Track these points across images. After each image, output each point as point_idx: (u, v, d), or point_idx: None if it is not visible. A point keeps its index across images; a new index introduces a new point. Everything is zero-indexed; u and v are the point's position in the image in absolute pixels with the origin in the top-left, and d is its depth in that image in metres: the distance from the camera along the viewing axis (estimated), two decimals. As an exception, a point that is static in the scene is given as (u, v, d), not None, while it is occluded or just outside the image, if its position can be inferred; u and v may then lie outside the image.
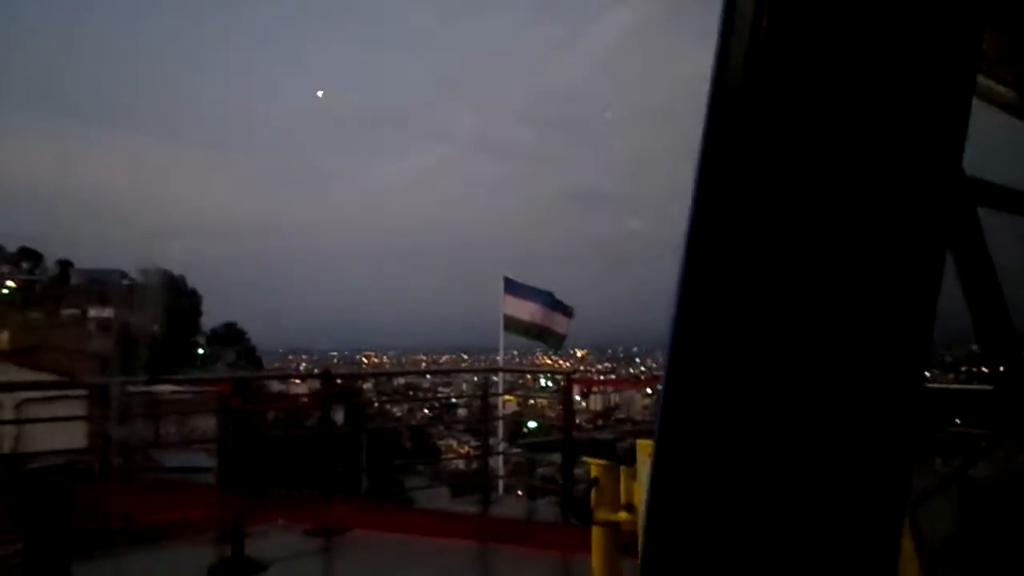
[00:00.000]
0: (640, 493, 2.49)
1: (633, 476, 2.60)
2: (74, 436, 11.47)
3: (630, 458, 2.62)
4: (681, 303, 0.62)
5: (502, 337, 13.46)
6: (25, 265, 49.91)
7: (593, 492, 2.79)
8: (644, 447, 2.53)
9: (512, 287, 13.34)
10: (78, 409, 11.90)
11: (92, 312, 33.66)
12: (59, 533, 3.10)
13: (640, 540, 0.64)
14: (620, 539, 2.76)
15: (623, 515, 2.69)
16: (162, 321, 40.73)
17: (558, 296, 13.47)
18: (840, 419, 0.57)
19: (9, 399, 11.93)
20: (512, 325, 13.21)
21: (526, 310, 13.18)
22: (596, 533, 2.81)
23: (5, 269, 45.81)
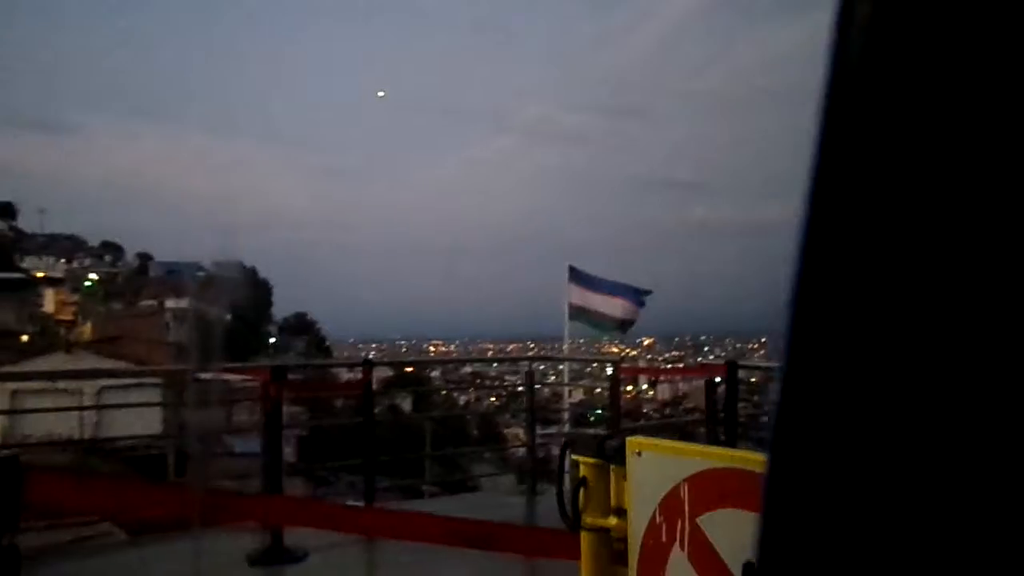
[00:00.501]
0: (630, 496, 2.31)
1: (624, 477, 2.38)
2: (150, 422, 11.81)
3: (620, 456, 2.40)
4: (798, 302, 0.59)
5: (566, 326, 13.43)
6: (107, 258, 51.88)
7: (581, 494, 2.56)
8: (633, 444, 2.33)
9: (576, 276, 13.29)
10: (153, 396, 12.23)
11: (168, 303, 34.69)
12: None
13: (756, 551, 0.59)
14: (611, 546, 2.53)
15: (613, 520, 2.47)
16: (234, 311, 41.79)
17: (630, 283, 13.42)
18: (977, 428, 0.51)
19: (89, 386, 12.34)
20: (577, 313, 13.19)
21: (591, 299, 13.14)
22: (585, 540, 2.58)
23: (88, 262, 47.67)
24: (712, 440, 6.88)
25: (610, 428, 6.21)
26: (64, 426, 12.72)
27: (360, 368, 7.13)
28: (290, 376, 7.04)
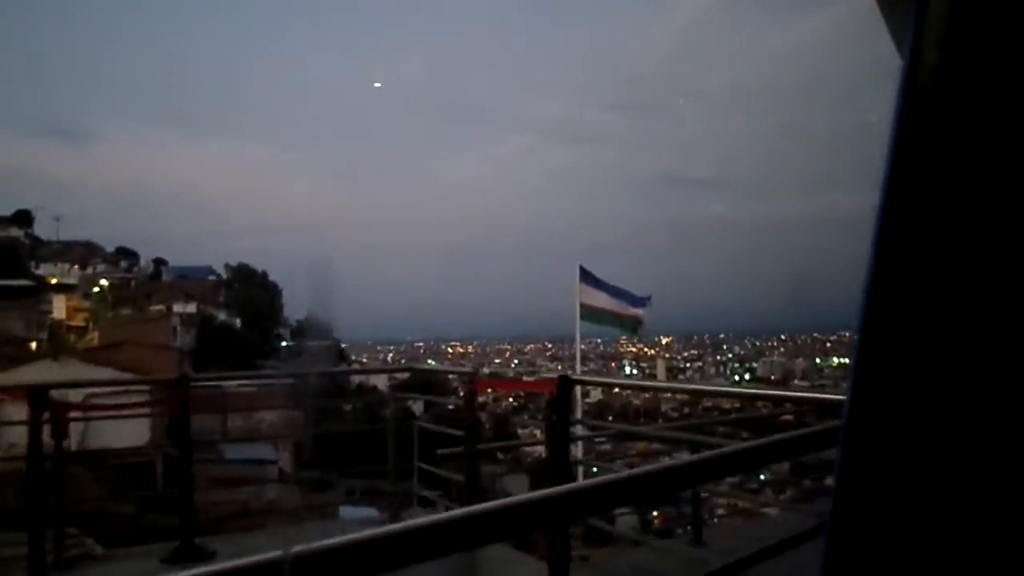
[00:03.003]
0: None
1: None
2: (138, 431, 11.58)
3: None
4: (871, 304, 0.62)
5: (578, 326, 13.45)
6: (123, 264, 52.12)
7: None
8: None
9: (587, 276, 13.28)
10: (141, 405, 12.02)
11: (176, 307, 34.70)
12: None
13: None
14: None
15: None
16: (243, 315, 41.98)
17: (633, 287, 13.69)
18: None
19: (75, 395, 12.04)
20: (589, 314, 13.18)
21: (602, 299, 13.15)
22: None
23: (102, 268, 47.82)
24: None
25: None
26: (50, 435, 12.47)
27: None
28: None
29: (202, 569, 1.22)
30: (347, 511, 11.93)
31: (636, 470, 2.29)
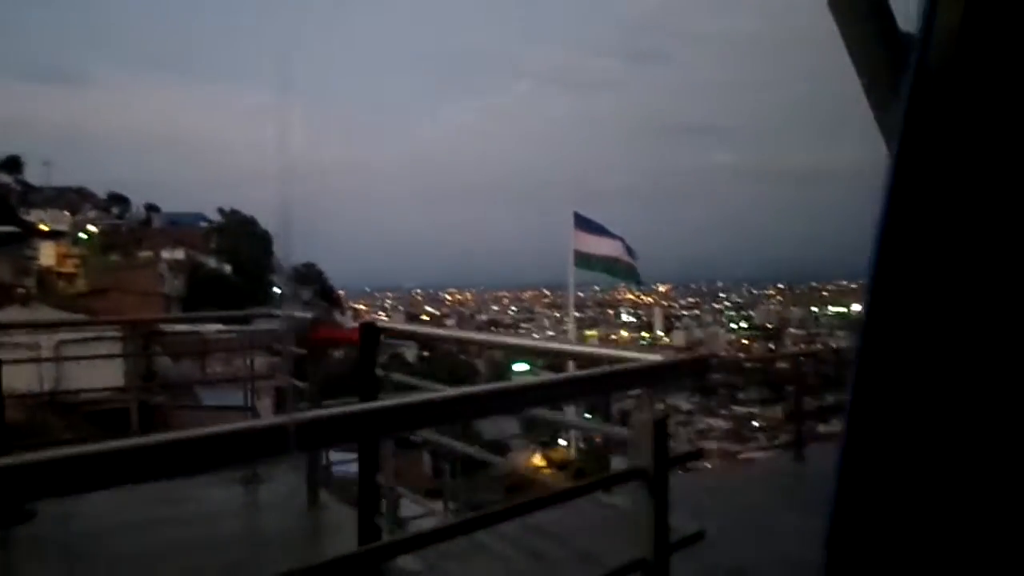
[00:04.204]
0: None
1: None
2: (111, 375, 11.31)
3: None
4: (874, 299, 0.63)
5: (571, 273, 13.24)
6: (115, 210, 51.56)
7: None
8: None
9: (581, 222, 12.96)
10: (113, 349, 11.77)
11: (164, 254, 34.25)
12: None
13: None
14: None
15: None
16: (234, 262, 41.58)
17: (632, 234, 13.49)
18: None
19: (47, 340, 11.74)
20: (584, 260, 12.91)
21: (598, 244, 12.91)
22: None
23: (93, 214, 47.27)
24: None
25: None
26: (21, 380, 12.25)
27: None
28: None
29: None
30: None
31: (433, 395, 2.32)
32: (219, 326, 17.77)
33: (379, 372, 3.69)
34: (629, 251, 13.41)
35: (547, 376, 2.49)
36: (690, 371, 2.65)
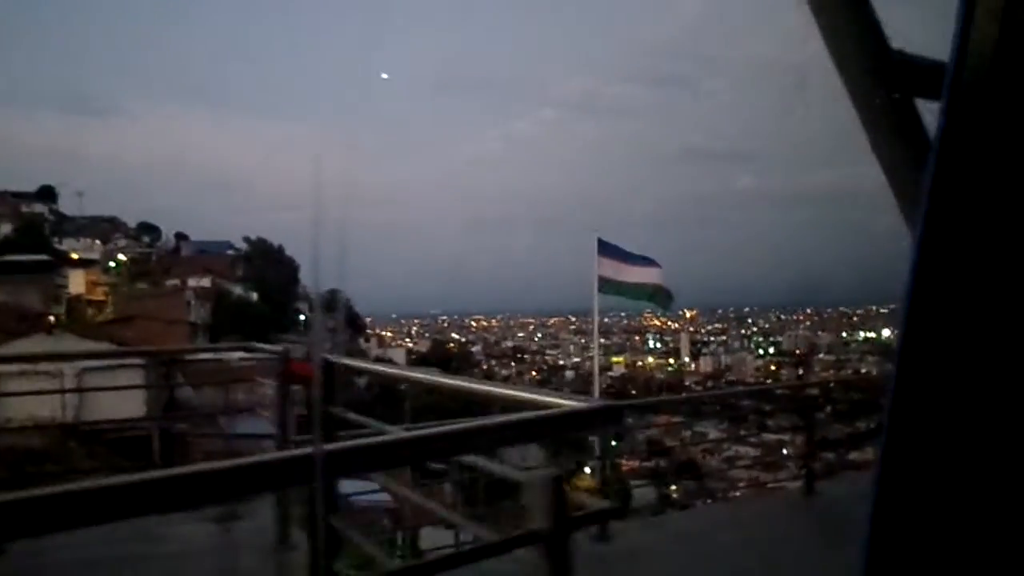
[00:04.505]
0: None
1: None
2: (134, 404, 11.29)
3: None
4: (913, 308, 0.62)
5: (596, 299, 13.12)
6: (145, 239, 52.32)
7: None
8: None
9: (605, 248, 12.84)
10: (136, 379, 11.76)
11: (191, 282, 34.52)
12: None
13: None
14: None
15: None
16: (260, 289, 41.89)
17: (649, 254, 13.31)
18: None
19: (69, 368, 11.78)
20: (609, 286, 12.80)
21: (622, 270, 12.80)
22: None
23: (124, 243, 47.96)
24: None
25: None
26: (46, 408, 12.30)
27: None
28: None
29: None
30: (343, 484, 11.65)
31: (386, 437, 2.42)
32: (241, 354, 17.70)
33: (335, 410, 3.59)
34: (658, 275, 13.27)
35: (456, 426, 2.36)
36: (604, 420, 2.61)
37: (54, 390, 11.74)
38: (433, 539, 8.21)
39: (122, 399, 11.17)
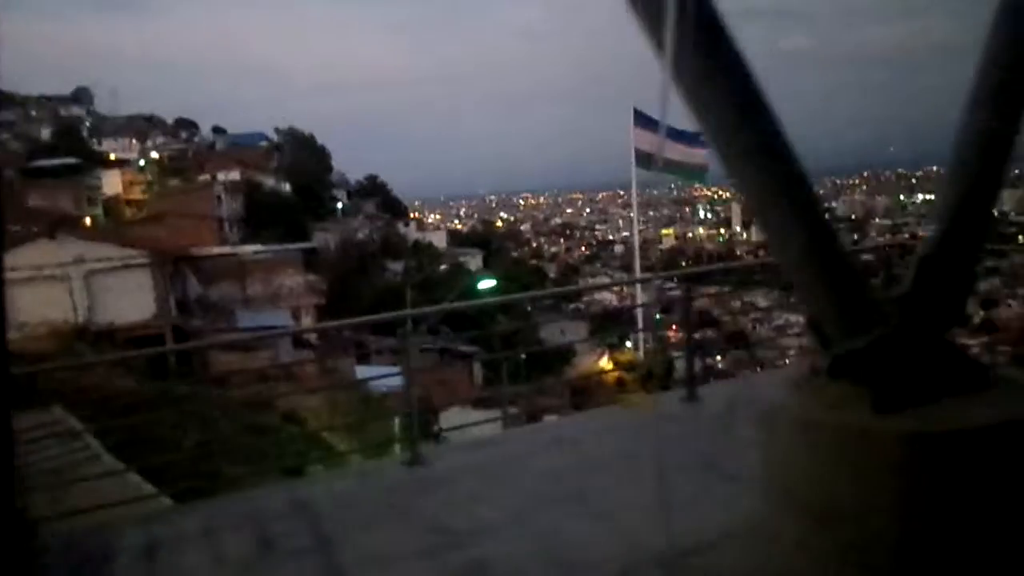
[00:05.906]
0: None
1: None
2: (142, 305, 11.01)
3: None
4: None
5: (634, 172, 12.20)
6: (183, 135, 51.90)
7: None
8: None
9: (641, 119, 11.76)
10: (144, 279, 11.47)
11: (220, 176, 33.97)
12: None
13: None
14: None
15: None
16: (293, 180, 41.26)
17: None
18: None
19: (75, 272, 11.49)
20: (644, 160, 11.86)
21: (660, 143, 11.82)
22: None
23: (161, 140, 47.61)
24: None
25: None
26: (58, 311, 12.10)
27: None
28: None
29: None
30: (361, 370, 11.39)
31: None
32: (257, 247, 17.42)
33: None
34: (696, 143, 12.08)
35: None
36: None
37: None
38: (460, 419, 7.81)
39: (132, 298, 10.81)
